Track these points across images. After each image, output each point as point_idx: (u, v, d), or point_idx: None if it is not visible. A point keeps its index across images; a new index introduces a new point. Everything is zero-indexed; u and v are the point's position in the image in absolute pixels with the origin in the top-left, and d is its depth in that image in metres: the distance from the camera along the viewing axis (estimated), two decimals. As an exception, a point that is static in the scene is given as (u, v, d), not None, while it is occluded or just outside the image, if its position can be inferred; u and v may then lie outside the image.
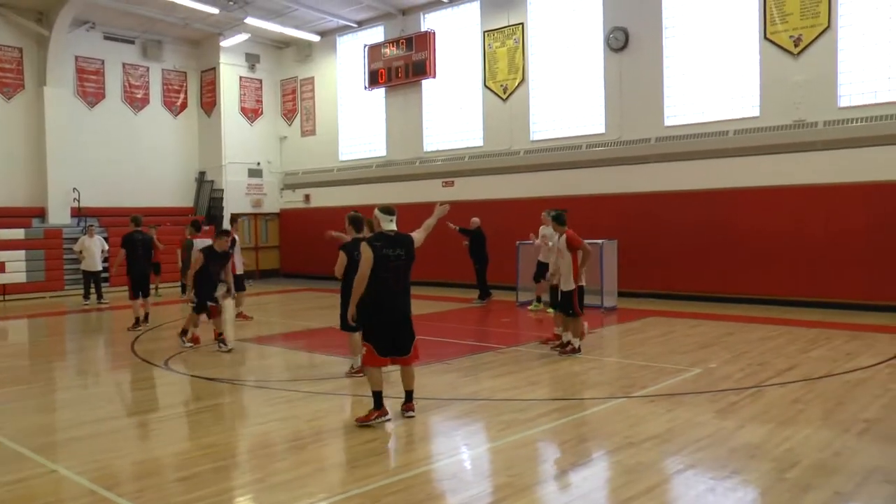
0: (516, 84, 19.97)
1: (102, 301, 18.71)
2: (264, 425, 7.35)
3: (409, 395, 7.33)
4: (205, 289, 11.44)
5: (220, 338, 11.43)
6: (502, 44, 20.17)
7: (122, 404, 8.73)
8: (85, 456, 6.36)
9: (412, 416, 7.22)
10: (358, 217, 8.96)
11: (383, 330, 7.04)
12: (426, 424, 7.23)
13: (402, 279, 7.16)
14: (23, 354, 13.00)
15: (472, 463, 6.14)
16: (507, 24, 20.08)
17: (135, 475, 5.89)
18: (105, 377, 10.48)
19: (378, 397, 7.07)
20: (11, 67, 21.88)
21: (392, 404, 7.34)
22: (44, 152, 22.11)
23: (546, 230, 13.70)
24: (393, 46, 22.45)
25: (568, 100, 19.16)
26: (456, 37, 21.37)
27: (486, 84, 20.58)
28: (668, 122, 17.39)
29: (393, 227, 7.18)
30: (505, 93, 20.21)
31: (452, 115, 21.64)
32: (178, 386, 9.48)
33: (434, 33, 21.61)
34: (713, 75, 16.76)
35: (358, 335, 8.52)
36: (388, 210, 7.24)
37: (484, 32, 20.57)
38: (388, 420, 7.05)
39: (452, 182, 21.17)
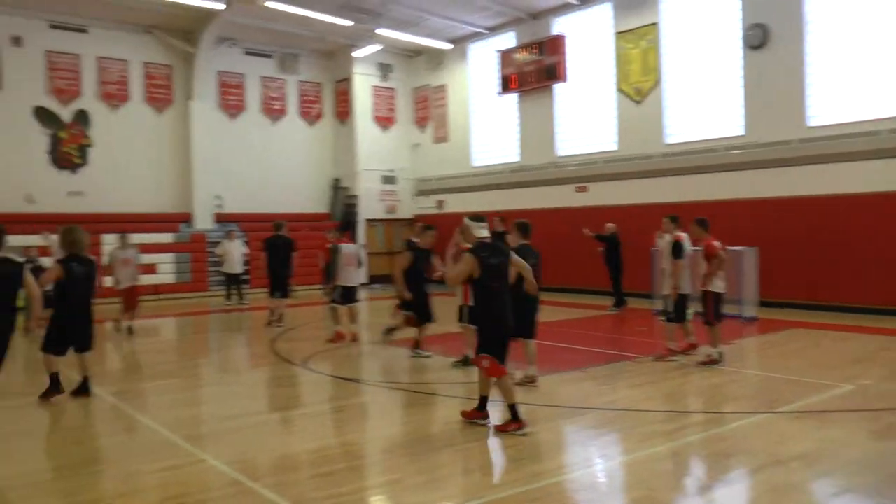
0: (650, 86, 19.48)
1: (243, 302, 19.55)
2: (401, 426, 7.46)
3: (516, 410, 6.91)
4: (419, 289, 10.88)
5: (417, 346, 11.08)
6: (635, 45, 19.73)
7: (264, 401, 9.08)
8: (230, 448, 6.66)
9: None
10: (526, 224, 8.90)
11: (501, 339, 7.01)
12: (561, 433, 7.15)
13: (506, 287, 7.15)
14: (172, 351, 13.81)
15: (608, 475, 6.01)
16: (640, 25, 19.63)
17: (276, 469, 6.12)
18: (247, 374, 10.97)
19: (484, 401, 7.12)
20: (162, 84, 23.38)
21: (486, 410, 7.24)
22: (190, 162, 23.52)
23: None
24: (524, 51, 22.38)
25: (704, 101, 18.50)
26: (588, 39, 21.07)
27: (619, 87, 20.19)
28: (811, 122, 16.49)
29: (485, 233, 7.19)
30: (638, 95, 19.76)
31: (585, 119, 21.34)
32: (316, 385, 9.78)
33: (565, 37, 21.39)
34: (861, 71, 15.76)
35: (533, 344, 8.77)
36: (478, 218, 7.27)
37: (616, 34, 20.18)
38: (489, 426, 7.01)
39: (586, 187, 20.88)
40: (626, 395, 8.57)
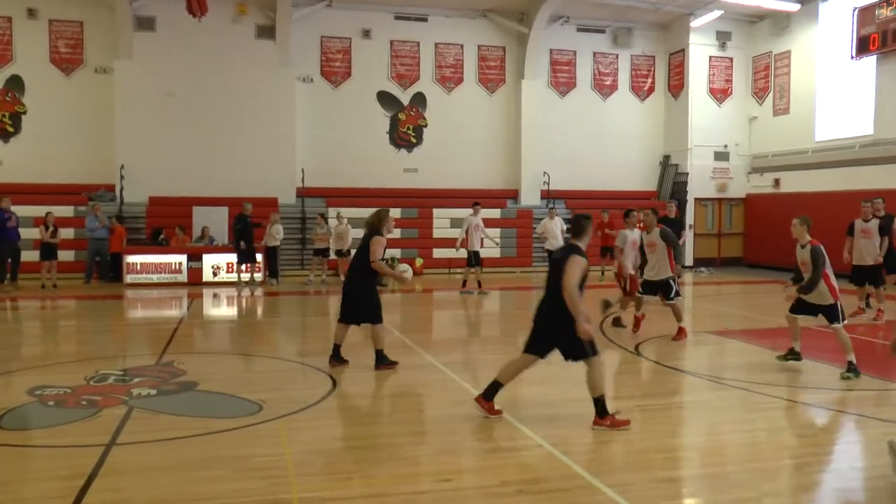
0: None
1: None
2: (751, 433, 6.80)
3: None
4: None
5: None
6: None
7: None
8: (569, 436, 6.47)
9: None
10: None
11: None
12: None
13: None
14: (498, 325, 14.17)
15: None
16: None
17: (619, 466, 5.83)
18: None
19: None
20: (495, 65, 24.18)
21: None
22: (519, 140, 24.12)
23: None
24: (887, 6, 19.61)
25: None
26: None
27: None
28: None
29: None
30: None
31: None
32: (650, 375, 9.37)
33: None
34: None
35: None
36: None
37: None
38: None
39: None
40: None
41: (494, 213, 22.74)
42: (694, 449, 6.44)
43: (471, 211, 17.49)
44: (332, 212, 20.62)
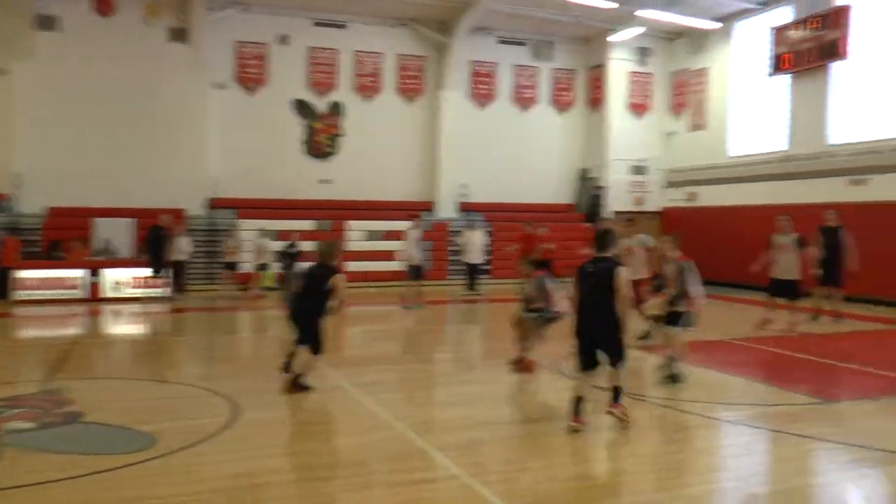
0: (959, 61, 16.70)
1: (477, 292, 19.49)
2: (681, 455, 6.55)
3: None
4: None
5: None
6: (942, 14, 17.00)
7: (521, 407, 8.49)
8: (488, 463, 6.13)
9: None
10: None
11: None
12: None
13: None
14: (410, 341, 13.74)
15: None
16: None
17: (539, 498, 5.46)
18: (501, 374, 9.81)
19: None
20: (414, 74, 23.82)
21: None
22: (437, 151, 23.79)
23: None
24: (802, 27, 20.08)
25: None
26: (878, 7, 18.47)
27: (917, 64, 17.52)
28: None
29: None
30: (943, 72, 17.02)
31: (868, 102, 18.78)
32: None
33: (850, 8, 18.90)
34: None
35: None
36: None
37: (916, 3, 17.53)
38: None
39: (864, 180, 18.38)
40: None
41: (409, 225, 22.23)
42: (620, 475, 6.13)
43: (411, 223, 17.39)
44: (245, 224, 19.91)
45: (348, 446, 6.78)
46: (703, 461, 6.49)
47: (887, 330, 14.23)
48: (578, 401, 6.98)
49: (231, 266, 18.64)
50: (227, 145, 21.54)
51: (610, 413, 7.07)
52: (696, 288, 9.07)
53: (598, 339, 7.03)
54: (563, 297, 9.49)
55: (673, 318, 9.12)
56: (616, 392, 7.11)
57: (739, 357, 11.48)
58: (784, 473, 6.11)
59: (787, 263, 13.39)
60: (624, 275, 6.98)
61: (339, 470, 6.05)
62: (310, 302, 8.45)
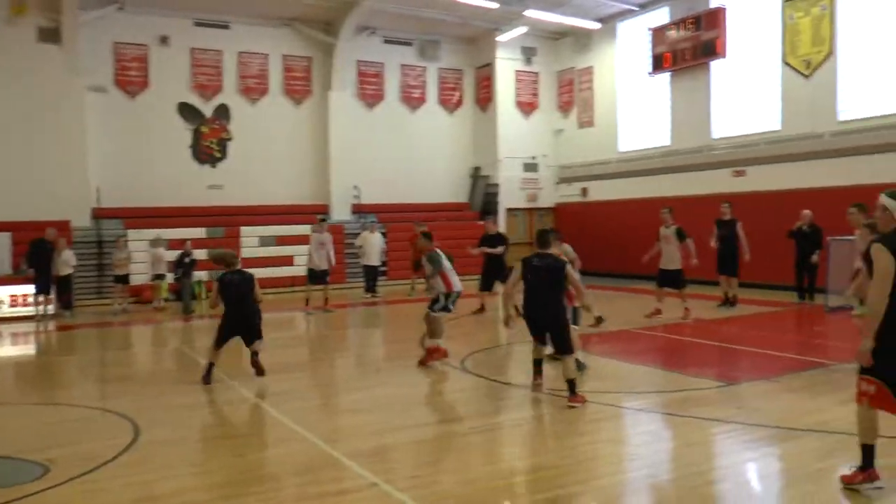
0: (822, 58, 17.68)
1: (375, 294, 19.41)
2: (592, 446, 6.63)
3: None
4: None
5: None
6: (806, 13, 17.96)
7: (424, 410, 8.42)
8: (404, 469, 6.03)
9: None
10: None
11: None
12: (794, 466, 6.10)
13: None
14: (310, 346, 13.48)
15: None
16: (812, -8, 17.87)
17: (459, 500, 5.40)
18: (407, 376, 9.84)
19: (870, 453, 5.23)
20: (301, 76, 23.40)
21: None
22: (327, 153, 23.42)
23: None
24: (679, 27, 20.90)
25: (887, 72, 16.60)
26: (750, 10, 19.41)
27: (786, 60, 18.46)
28: None
29: None
30: (808, 68, 17.99)
31: (745, 98, 19.71)
32: (481, 391, 9.04)
33: (725, 9, 19.80)
34: None
35: None
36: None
37: (784, 2, 18.44)
38: (881, 488, 5.21)
39: (744, 171, 19.30)
40: (839, 414, 7.33)
41: (304, 228, 21.80)
42: (537, 471, 6.13)
43: (313, 226, 17.29)
44: (132, 234, 19.11)
45: (258, 461, 6.52)
46: (614, 451, 6.59)
47: (775, 313, 14.96)
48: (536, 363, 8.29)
49: (122, 279, 17.66)
50: (109, 152, 20.53)
51: (571, 407, 7.57)
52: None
53: (545, 327, 8.01)
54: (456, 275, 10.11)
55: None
56: (571, 385, 7.69)
57: (640, 346, 11.81)
58: (693, 457, 6.25)
59: (669, 254, 14.18)
60: (571, 271, 8.13)
61: (249, 487, 5.79)
62: (248, 307, 9.44)
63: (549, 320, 7.95)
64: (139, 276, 18.29)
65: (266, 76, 22.89)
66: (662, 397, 8.30)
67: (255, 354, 9.37)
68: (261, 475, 6.07)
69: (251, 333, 9.42)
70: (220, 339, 9.32)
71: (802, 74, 18.16)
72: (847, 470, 5.32)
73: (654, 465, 6.12)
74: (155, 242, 18.11)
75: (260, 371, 9.28)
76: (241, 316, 9.40)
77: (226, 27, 22.23)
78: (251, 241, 21.17)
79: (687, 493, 5.42)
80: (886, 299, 4.98)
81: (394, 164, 24.37)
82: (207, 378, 9.07)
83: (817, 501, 5.28)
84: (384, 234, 20.92)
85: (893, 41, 16.45)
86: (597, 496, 5.42)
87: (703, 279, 15.67)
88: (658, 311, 13.86)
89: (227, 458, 6.60)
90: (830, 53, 17.54)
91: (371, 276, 19.71)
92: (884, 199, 5.37)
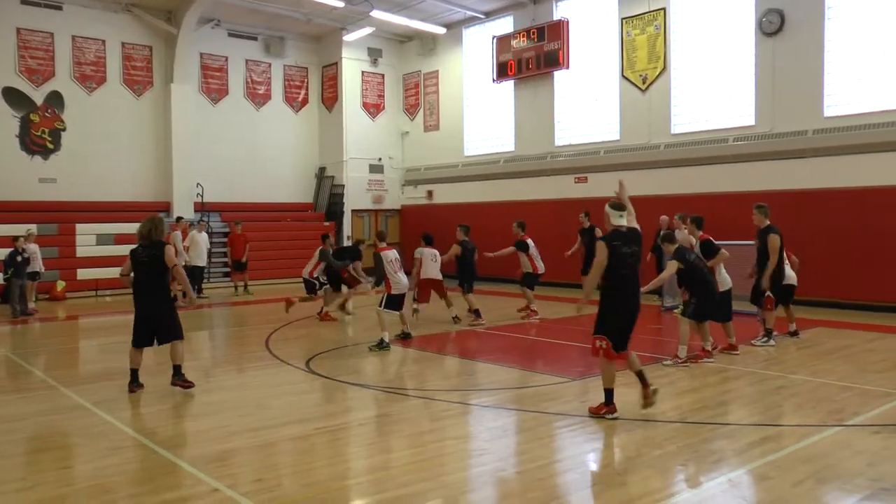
0: (657, 74, 18.72)
1: (202, 296, 18.74)
2: (440, 443, 6.55)
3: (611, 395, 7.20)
4: None
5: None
6: (642, 31, 18.94)
7: (271, 412, 8.08)
8: (247, 473, 5.73)
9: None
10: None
11: (624, 326, 7.12)
12: (633, 451, 6.28)
13: (636, 275, 7.16)
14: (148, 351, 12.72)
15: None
16: (647, 10, 18.84)
17: (306, 502, 5.18)
18: (248, 378, 9.78)
19: (610, 394, 7.10)
20: (141, 65, 22.20)
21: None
22: (169, 148, 22.32)
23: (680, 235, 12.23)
24: (523, 37, 21.50)
25: (714, 89, 17.80)
26: (591, 25, 20.25)
27: (624, 74, 19.40)
28: (827, 112, 15.84)
29: (623, 222, 7.16)
30: (644, 83, 18.99)
31: (586, 108, 20.53)
32: (326, 392, 8.82)
33: (567, 22, 20.54)
34: (883, 59, 15.11)
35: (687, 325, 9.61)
36: (618, 206, 7.19)
37: (622, 19, 19.38)
38: (617, 418, 7.00)
39: (586, 178, 20.08)
40: (674, 404, 7.75)
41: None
42: (382, 469, 5.98)
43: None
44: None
45: (89, 472, 5.94)
46: (461, 447, 6.55)
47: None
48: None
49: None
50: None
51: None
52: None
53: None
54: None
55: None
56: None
57: (487, 344, 11.93)
58: (543, 451, 6.33)
59: (521, 258, 14.72)
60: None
61: (76, 499, 5.31)
62: (152, 290, 8.50)
63: None
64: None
65: (103, 64, 21.50)
66: (511, 393, 8.40)
67: (135, 378, 8.73)
68: (92, 488, 5.51)
69: (164, 328, 8.70)
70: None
71: (639, 88, 19.12)
72: (594, 405, 7.18)
73: (503, 458, 6.13)
74: (25, 238, 16.29)
75: (184, 383, 8.63)
76: (146, 305, 8.64)
77: (58, 8, 20.67)
78: (88, 239, 19.85)
79: (534, 485, 5.44)
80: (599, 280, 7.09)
81: (239, 161, 23.66)
82: (134, 387, 8.61)
83: (655, 484, 5.45)
84: (209, 234, 20.06)
85: (721, 61, 17.62)
86: (443, 493, 5.35)
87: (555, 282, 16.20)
88: (533, 312, 14.58)
89: (54, 473, 5.92)
90: (664, 70, 18.57)
91: (196, 277, 18.80)
92: (606, 208, 7.27)
